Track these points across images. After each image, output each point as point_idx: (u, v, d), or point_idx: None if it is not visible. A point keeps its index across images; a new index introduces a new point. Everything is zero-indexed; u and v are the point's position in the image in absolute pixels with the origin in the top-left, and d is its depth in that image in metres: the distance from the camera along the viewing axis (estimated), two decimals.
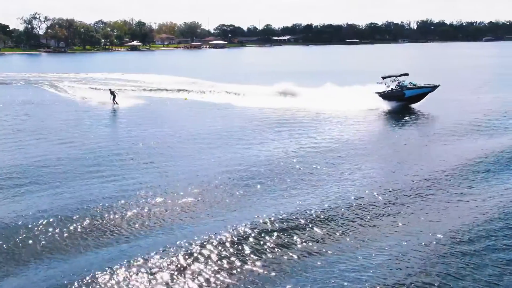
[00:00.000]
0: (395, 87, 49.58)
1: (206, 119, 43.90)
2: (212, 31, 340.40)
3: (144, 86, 69.84)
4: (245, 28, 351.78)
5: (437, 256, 17.28)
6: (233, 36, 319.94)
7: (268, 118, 44.07)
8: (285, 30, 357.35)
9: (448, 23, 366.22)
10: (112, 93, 54.28)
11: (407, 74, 51.14)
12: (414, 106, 49.39)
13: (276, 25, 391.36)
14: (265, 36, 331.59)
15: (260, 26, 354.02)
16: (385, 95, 49.17)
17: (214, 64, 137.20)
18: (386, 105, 47.91)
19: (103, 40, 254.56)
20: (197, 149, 32.52)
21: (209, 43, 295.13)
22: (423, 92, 48.76)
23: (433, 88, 48.41)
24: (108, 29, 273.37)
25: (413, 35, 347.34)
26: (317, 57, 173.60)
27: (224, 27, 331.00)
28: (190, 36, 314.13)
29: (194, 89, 64.47)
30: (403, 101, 48.86)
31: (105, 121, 44.69)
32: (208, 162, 29.08)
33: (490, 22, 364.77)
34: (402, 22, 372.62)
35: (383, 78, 50.49)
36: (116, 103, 53.39)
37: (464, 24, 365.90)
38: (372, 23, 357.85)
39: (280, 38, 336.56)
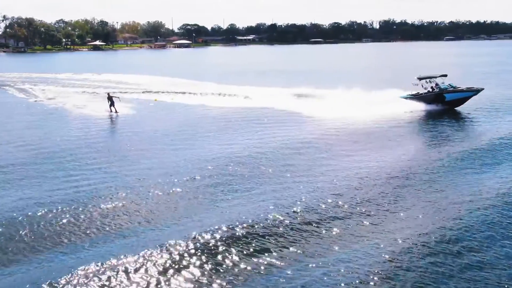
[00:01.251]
0: (432, 89, 44.98)
1: (175, 120, 42.23)
2: (176, 30, 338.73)
3: (111, 87, 67.47)
4: (209, 28, 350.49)
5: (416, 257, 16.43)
6: (197, 36, 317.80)
7: (243, 118, 42.77)
8: (249, 30, 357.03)
9: (410, 23, 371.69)
10: (110, 98, 45.41)
11: (445, 75, 45.88)
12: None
13: (240, 24, 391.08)
14: (230, 36, 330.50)
15: (224, 26, 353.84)
16: (422, 98, 44.82)
17: (181, 64, 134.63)
18: (423, 108, 43.92)
19: (64, 40, 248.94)
20: (163, 150, 31.30)
21: (173, 42, 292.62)
22: (465, 96, 44.18)
23: (476, 92, 44.18)
24: (70, 28, 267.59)
25: (376, 34, 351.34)
26: (287, 56, 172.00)
27: (188, 27, 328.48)
28: (153, 35, 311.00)
29: (163, 89, 62.42)
30: (442, 105, 44.27)
31: (70, 123, 42.08)
32: (174, 164, 27.80)
33: (451, 22, 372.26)
34: (365, 22, 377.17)
35: (420, 79, 45.49)
36: (116, 111, 44.99)
37: (425, 24, 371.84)
38: (335, 23, 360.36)
39: (245, 37, 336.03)
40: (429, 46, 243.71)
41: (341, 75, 79.28)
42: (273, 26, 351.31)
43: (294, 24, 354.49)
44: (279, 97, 52.67)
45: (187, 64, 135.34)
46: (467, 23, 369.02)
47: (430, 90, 45.10)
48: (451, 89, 44.47)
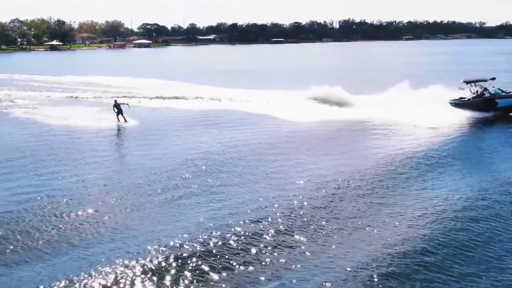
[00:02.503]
0: (479, 93, 41.02)
1: (143, 125, 40.21)
2: (135, 30, 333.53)
3: (71, 89, 64.84)
4: (169, 27, 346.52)
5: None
6: (157, 35, 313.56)
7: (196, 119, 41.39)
8: (210, 29, 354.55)
9: (369, 23, 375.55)
10: (117, 106, 39.99)
11: (493, 78, 41.73)
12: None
13: (201, 24, 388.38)
14: (190, 35, 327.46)
15: (184, 25, 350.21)
16: (469, 104, 40.60)
17: (144, 64, 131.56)
18: (473, 115, 39.50)
19: (19, 40, 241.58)
20: (127, 157, 30.29)
21: (133, 42, 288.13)
22: None
23: None
24: (25, 28, 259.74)
25: (336, 34, 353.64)
26: (252, 56, 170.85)
27: (148, 26, 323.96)
28: (112, 35, 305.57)
29: (129, 92, 59.98)
30: (493, 112, 40.08)
31: (20, 126, 39.81)
32: (139, 172, 26.44)
33: (409, 22, 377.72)
34: (325, 21, 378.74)
35: (466, 82, 41.69)
36: (125, 120, 39.88)
37: (384, 24, 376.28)
38: (296, 23, 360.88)
39: (206, 37, 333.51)
40: (390, 45, 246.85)
41: (316, 75, 78.48)
42: (234, 25, 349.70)
43: (255, 23, 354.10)
44: (250, 99, 51.44)
45: (149, 64, 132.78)
46: (425, 23, 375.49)
47: (478, 94, 41.31)
48: (504, 94, 40.36)
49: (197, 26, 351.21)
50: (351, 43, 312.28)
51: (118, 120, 39.86)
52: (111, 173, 26.32)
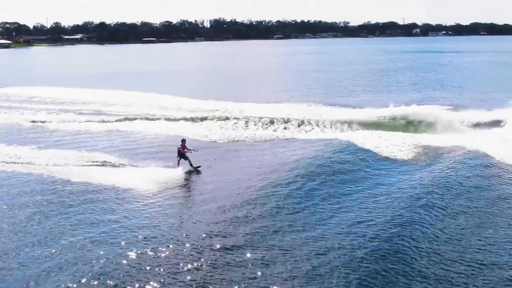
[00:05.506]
0: None
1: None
2: None
3: None
4: (31, 26, 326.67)
5: None
6: (18, 35, 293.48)
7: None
8: (76, 29, 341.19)
9: (240, 22, 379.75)
10: (182, 154, 27.77)
11: None
12: None
13: (66, 23, 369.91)
14: (55, 35, 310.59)
15: (48, 24, 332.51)
16: None
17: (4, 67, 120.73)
18: None
19: None
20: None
21: None
22: None
23: None
24: None
25: (208, 33, 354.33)
26: (127, 57, 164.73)
27: (7, 25, 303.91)
28: None
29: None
30: None
31: None
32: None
33: (278, 21, 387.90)
34: (196, 21, 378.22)
35: None
36: (191, 165, 27.59)
37: (255, 23, 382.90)
38: (167, 22, 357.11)
39: (72, 37, 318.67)
40: (263, 44, 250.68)
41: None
42: (102, 24, 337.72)
43: (124, 22, 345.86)
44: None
45: (10, 67, 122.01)
46: (293, 22, 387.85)
47: None
48: None
49: (62, 25, 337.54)
50: (224, 42, 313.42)
51: (178, 165, 27.69)
52: None
